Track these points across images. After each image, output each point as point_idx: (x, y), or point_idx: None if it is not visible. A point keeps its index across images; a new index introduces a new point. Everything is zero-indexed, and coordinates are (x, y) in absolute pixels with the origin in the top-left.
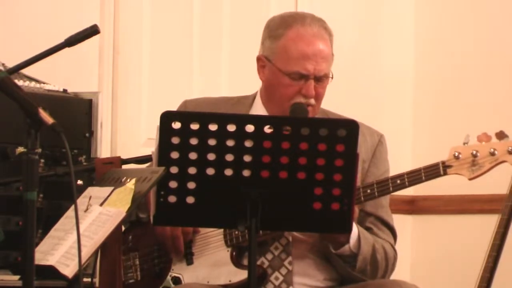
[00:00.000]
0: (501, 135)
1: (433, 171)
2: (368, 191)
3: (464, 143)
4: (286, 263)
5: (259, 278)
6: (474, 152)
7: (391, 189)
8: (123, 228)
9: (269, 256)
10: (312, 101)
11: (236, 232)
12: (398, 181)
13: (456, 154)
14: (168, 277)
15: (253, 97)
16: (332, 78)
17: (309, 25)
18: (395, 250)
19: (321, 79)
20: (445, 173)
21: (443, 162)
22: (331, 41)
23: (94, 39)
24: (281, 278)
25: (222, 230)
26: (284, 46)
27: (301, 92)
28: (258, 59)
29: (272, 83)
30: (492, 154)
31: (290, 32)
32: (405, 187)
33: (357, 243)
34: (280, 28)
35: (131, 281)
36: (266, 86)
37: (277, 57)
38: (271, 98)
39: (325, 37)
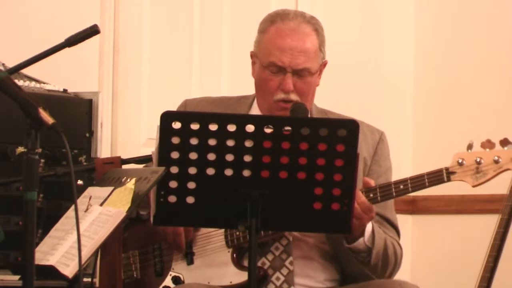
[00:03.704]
0: (505, 143)
1: (437, 177)
2: (371, 195)
3: (467, 149)
4: (287, 263)
5: (260, 280)
6: (478, 159)
7: (394, 194)
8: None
9: (270, 256)
10: (293, 96)
11: (237, 233)
12: (401, 186)
13: (460, 160)
14: (168, 277)
15: (253, 97)
16: (325, 65)
17: (290, 20)
18: (401, 248)
19: (300, 74)
20: (448, 180)
21: (446, 169)
22: (317, 36)
23: (94, 39)
24: (282, 278)
25: (223, 230)
26: (265, 41)
27: (280, 86)
28: (250, 55)
29: (257, 78)
30: (496, 162)
31: (272, 28)
32: (408, 192)
33: (371, 237)
34: (264, 24)
35: (130, 279)
36: (255, 82)
37: (260, 52)
38: (258, 94)
39: (306, 31)
